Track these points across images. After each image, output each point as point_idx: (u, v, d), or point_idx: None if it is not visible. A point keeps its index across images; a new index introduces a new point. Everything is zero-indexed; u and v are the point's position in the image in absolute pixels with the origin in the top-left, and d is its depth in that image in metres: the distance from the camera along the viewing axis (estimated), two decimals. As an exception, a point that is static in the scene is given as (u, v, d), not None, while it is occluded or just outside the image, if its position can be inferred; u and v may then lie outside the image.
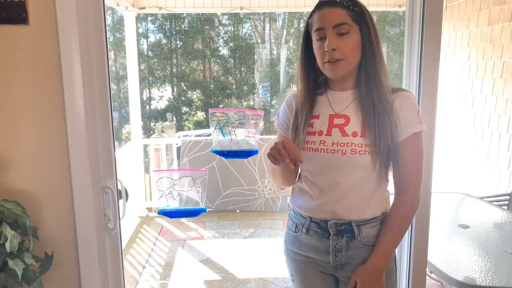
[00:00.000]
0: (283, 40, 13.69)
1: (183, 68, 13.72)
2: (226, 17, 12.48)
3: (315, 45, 1.20)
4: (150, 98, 13.53)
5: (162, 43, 13.42)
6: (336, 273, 1.29)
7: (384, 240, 1.22)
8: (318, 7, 1.19)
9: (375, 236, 1.24)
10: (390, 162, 1.22)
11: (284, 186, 1.40)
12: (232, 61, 13.53)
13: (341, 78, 1.22)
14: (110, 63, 1.38)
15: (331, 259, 1.26)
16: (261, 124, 1.34)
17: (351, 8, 1.15)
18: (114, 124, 1.41)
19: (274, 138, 4.52)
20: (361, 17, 1.16)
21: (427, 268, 1.55)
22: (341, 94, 1.25)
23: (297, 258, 1.34)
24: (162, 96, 13.62)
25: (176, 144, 5.01)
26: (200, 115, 13.19)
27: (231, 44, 13.48)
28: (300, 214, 1.31)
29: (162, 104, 13.54)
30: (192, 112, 13.53)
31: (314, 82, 1.28)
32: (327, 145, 1.21)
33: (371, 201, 1.23)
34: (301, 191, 1.32)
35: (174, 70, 13.58)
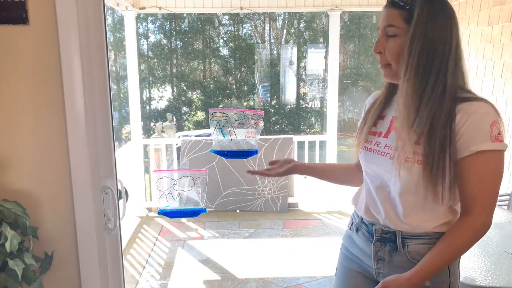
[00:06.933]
0: (283, 40, 13.69)
1: (183, 68, 13.72)
2: (226, 17, 12.48)
3: None
4: (150, 98, 13.55)
5: (162, 43, 13.43)
6: (379, 280, 1.22)
7: (430, 258, 1.10)
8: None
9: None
10: (446, 180, 1.07)
11: (351, 186, 1.44)
12: (232, 61, 13.54)
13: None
14: (110, 63, 1.38)
15: (373, 265, 1.22)
16: (261, 124, 1.34)
17: (407, 8, 1.06)
18: (114, 124, 1.40)
19: (274, 138, 4.52)
20: (414, 15, 1.05)
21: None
22: None
23: (347, 254, 1.34)
24: (162, 96, 13.64)
25: (176, 144, 5.01)
26: (200, 115, 13.21)
27: (231, 44, 13.49)
28: (355, 212, 1.32)
29: (162, 104, 13.55)
30: (192, 112, 13.54)
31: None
32: (380, 147, 1.18)
33: (417, 215, 1.13)
34: (360, 189, 1.32)
35: (174, 70, 13.59)
